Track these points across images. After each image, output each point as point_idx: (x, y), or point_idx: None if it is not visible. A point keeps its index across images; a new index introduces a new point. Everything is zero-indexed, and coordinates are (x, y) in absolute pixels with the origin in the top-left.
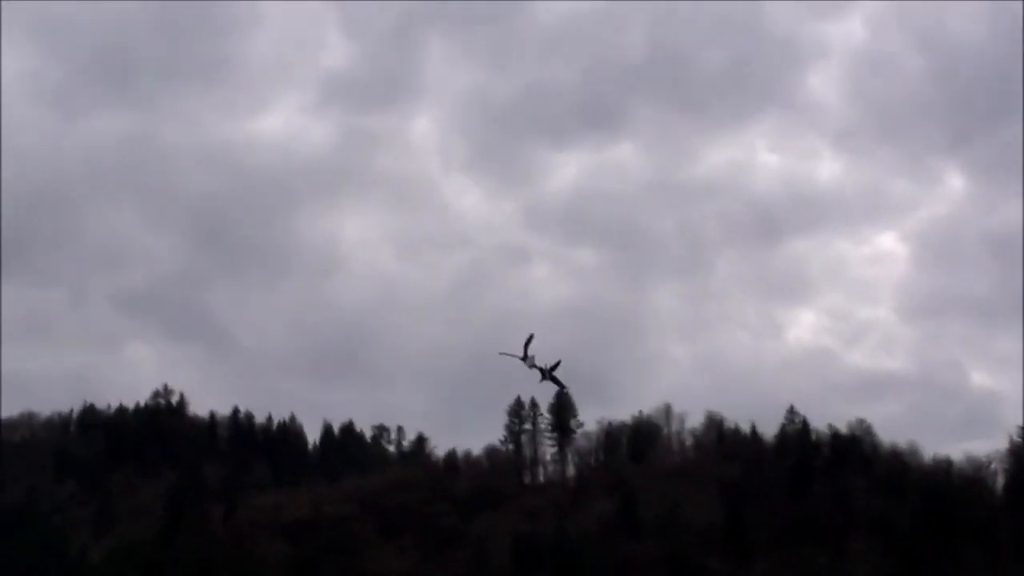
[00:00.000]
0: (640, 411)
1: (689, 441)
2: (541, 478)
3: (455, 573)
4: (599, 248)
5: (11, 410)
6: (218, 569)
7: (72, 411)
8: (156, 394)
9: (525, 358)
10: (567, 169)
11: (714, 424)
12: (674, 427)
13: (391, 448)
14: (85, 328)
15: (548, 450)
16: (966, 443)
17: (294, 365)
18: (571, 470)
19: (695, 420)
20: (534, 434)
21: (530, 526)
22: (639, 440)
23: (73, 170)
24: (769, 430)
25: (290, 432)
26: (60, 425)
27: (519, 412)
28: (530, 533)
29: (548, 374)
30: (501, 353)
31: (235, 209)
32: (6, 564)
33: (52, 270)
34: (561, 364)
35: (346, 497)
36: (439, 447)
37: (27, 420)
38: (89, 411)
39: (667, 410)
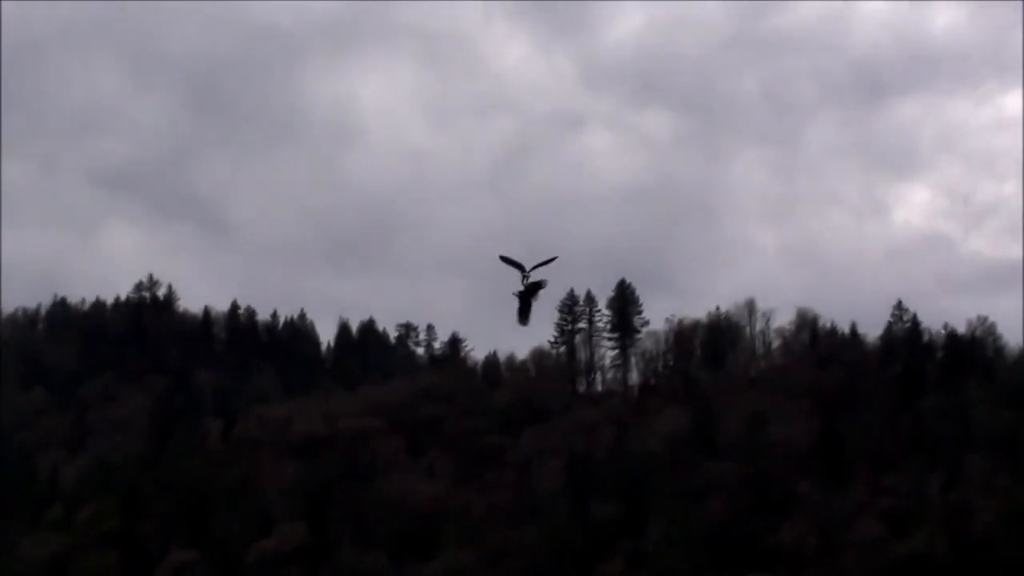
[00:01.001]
0: (717, 307)
1: (776, 343)
2: (599, 387)
3: (497, 500)
4: (669, 113)
5: None
6: (214, 494)
7: (40, 307)
8: (139, 286)
9: (526, 273)
10: (632, 18)
11: (806, 323)
12: (758, 326)
13: (419, 351)
14: (55, 207)
15: (607, 353)
16: None
17: (303, 253)
18: (635, 377)
19: (783, 318)
20: (590, 334)
21: (586, 444)
22: (716, 342)
23: (42, 23)
24: (872, 331)
25: (299, 332)
26: (26, 323)
27: (572, 308)
28: (586, 452)
29: (524, 296)
30: (502, 257)
31: (231, 68)
32: None
33: (17, 139)
34: (542, 289)
35: (367, 409)
36: (476, 350)
37: None
38: (60, 307)
39: (750, 306)
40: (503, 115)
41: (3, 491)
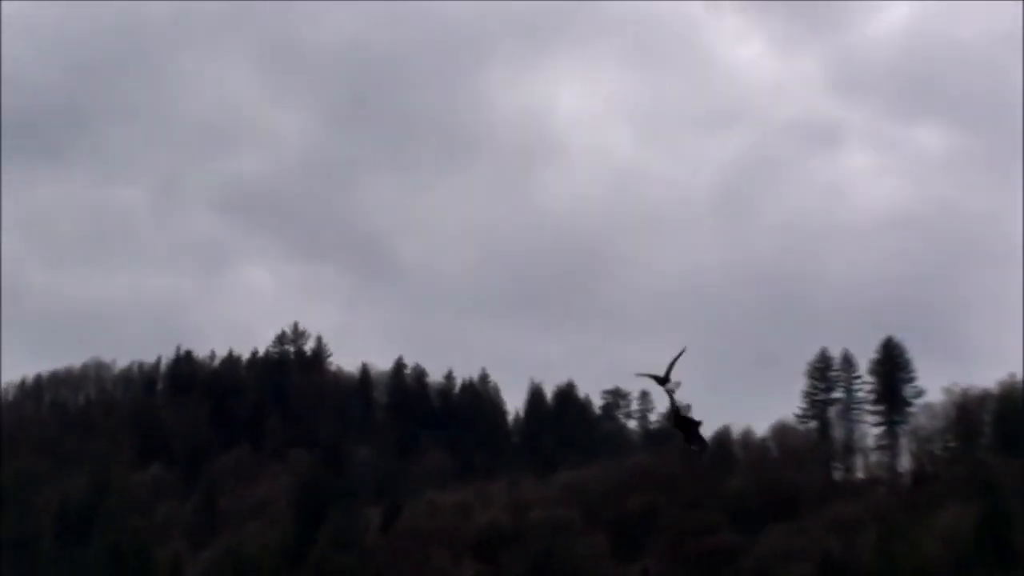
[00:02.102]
0: (1011, 374)
1: None
2: (860, 472)
3: None
4: (944, 125)
5: (74, 358)
6: None
7: (160, 361)
8: (281, 338)
9: (666, 381)
10: (896, 7)
11: None
12: None
13: (631, 424)
14: (177, 241)
15: (870, 431)
16: None
17: (484, 299)
18: (905, 462)
19: None
20: (849, 406)
21: (844, 545)
22: (1010, 418)
23: (159, 15)
24: None
25: (480, 398)
26: (143, 381)
27: (825, 373)
28: (844, 556)
29: (682, 422)
30: (638, 375)
31: (392, 69)
32: None
33: (130, 157)
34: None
35: (564, 497)
36: (702, 424)
37: (96, 373)
38: (184, 362)
39: None
40: (733, 127)
41: None
